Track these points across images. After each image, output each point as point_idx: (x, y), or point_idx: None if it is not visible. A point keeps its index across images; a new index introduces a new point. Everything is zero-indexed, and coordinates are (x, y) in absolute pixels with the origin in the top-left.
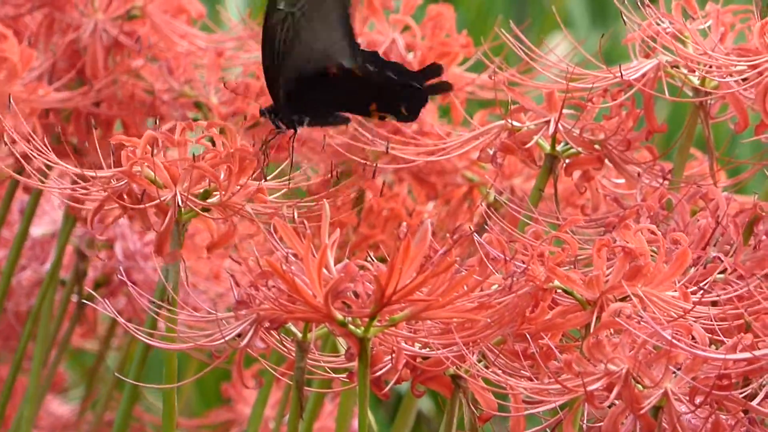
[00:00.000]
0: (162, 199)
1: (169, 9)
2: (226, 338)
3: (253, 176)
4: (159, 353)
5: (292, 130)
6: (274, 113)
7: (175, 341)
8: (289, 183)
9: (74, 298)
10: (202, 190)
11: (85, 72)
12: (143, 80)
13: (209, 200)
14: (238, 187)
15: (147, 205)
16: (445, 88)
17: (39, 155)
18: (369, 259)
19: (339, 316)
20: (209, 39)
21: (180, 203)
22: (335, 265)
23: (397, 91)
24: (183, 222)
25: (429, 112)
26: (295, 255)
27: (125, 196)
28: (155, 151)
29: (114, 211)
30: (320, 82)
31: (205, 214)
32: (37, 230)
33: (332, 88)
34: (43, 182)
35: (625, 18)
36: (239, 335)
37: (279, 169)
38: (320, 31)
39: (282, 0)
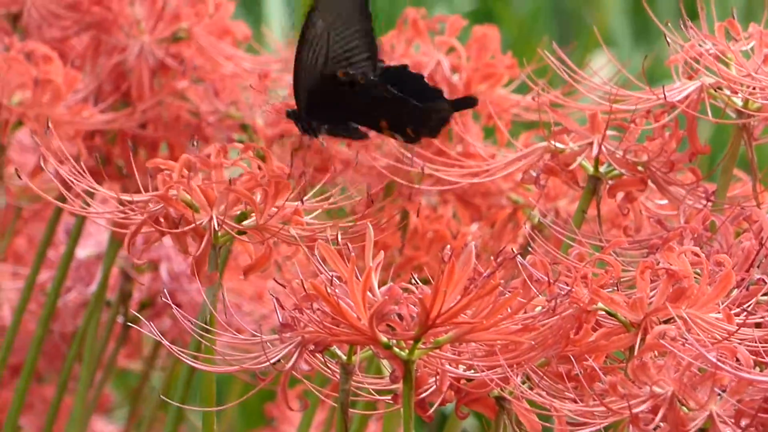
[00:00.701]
0: (198, 222)
1: (214, 31)
2: (272, 361)
3: (292, 198)
4: (203, 374)
5: (318, 138)
6: (296, 117)
7: (215, 363)
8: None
9: (120, 319)
10: (238, 213)
11: (131, 94)
12: (188, 102)
13: (245, 223)
14: (275, 210)
15: (183, 229)
16: (471, 103)
17: (80, 180)
18: (413, 281)
19: (384, 338)
20: (254, 60)
21: (216, 227)
22: (379, 287)
23: (402, 108)
24: (219, 245)
25: (474, 134)
26: (339, 278)
27: (162, 220)
28: (191, 174)
29: (154, 233)
30: (333, 90)
31: (242, 237)
32: (82, 252)
33: (343, 98)
34: (86, 206)
35: (668, 39)
36: (284, 358)
37: (316, 189)
38: (342, 41)
39: (319, 18)
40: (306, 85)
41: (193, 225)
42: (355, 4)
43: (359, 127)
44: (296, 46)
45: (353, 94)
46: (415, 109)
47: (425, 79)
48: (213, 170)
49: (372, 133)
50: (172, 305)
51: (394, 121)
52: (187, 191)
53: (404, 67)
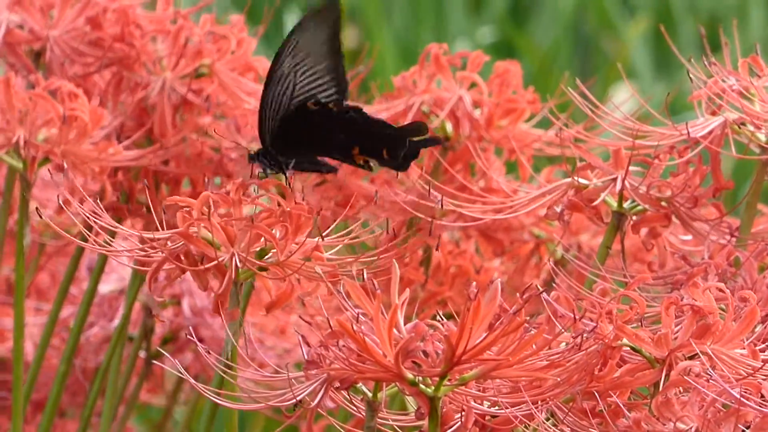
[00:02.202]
0: (219, 260)
1: (236, 67)
2: (297, 398)
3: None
4: (226, 409)
5: (285, 175)
6: (260, 157)
7: (237, 399)
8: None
9: (142, 354)
10: (259, 249)
11: (153, 130)
12: (211, 138)
13: (266, 259)
14: (295, 246)
15: (204, 267)
16: (434, 142)
17: (102, 217)
18: (438, 316)
19: (410, 375)
20: None
21: (237, 264)
22: (404, 323)
23: (377, 132)
24: (241, 282)
25: (496, 169)
26: (364, 314)
27: (183, 257)
28: (212, 211)
29: (176, 270)
30: (301, 123)
31: (263, 273)
32: (105, 287)
33: (312, 128)
34: (108, 243)
35: (691, 76)
36: (309, 395)
37: (338, 224)
38: (309, 78)
39: (288, 55)
40: (272, 123)
41: (214, 262)
42: (327, 40)
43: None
44: (263, 84)
45: (323, 123)
46: (391, 133)
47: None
48: (233, 207)
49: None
50: (195, 340)
51: (367, 146)
52: (207, 228)
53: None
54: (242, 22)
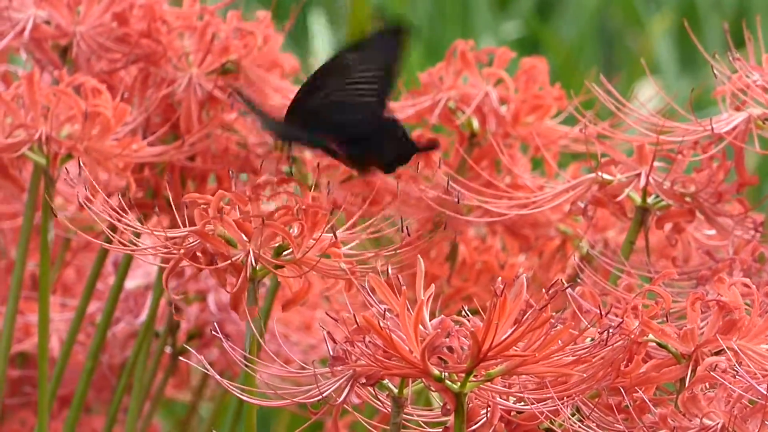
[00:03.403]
0: (235, 258)
1: (263, 63)
2: (323, 395)
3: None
4: (250, 405)
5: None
6: (273, 128)
7: (262, 395)
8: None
9: (168, 349)
10: (276, 246)
11: (179, 126)
12: (237, 134)
13: (283, 257)
14: (312, 242)
15: (220, 265)
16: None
17: (126, 215)
18: (463, 312)
19: (436, 371)
20: None
21: (253, 262)
22: (429, 318)
23: (399, 146)
24: (257, 279)
25: (522, 166)
26: (390, 310)
27: (201, 255)
28: (228, 209)
29: (193, 268)
30: (335, 111)
31: (280, 271)
32: (131, 283)
33: (345, 125)
34: (132, 241)
35: (715, 72)
36: (335, 391)
37: (359, 220)
38: (364, 71)
39: (354, 52)
40: (306, 101)
41: (230, 261)
42: (390, 55)
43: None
44: (321, 65)
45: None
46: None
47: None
48: (250, 204)
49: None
50: (221, 336)
51: (375, 151)
52: (223, 226)
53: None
54: (269, 19)
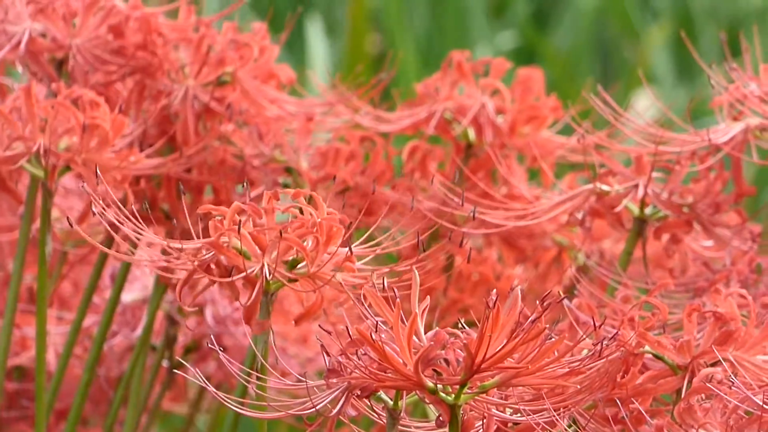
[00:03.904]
0: (250, 271)
1: (259, 74)
2: (318, 407)
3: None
4: (248, 418)
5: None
6: None
7: (264, 409)
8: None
9: (165, 363)
10: (290, 259)
11: (176, 138)
12: (233, 146)
13: (297, 270)
14: (327, 256)
15: (235, 277)
16: None
17: (126, 225)
18: (459, 324)
19: (430, 384)
20: (299, 104)
21: (267, 275)
22: (425, 330)
23: None
24: (271, 292)
25: (518, 176)
26: (384, 323)
27: (213, 267)
28: (243, 221)
29: (203, 279)
30: None
31: (293, 285)
32: (128, 296)
33: None
34: (132, 252)
35: (713, 82)
36: (331, 403)
37: (358, 232)
38: None
39: None
40: None
41: (244, 273)
42: None
43: None
44: None
45: None
46: None
47: None
48: (264, 217)
49: (416, 176)
50: (218, 349)
51: None
52: (238, 238)
53: None
54: (264, 30)
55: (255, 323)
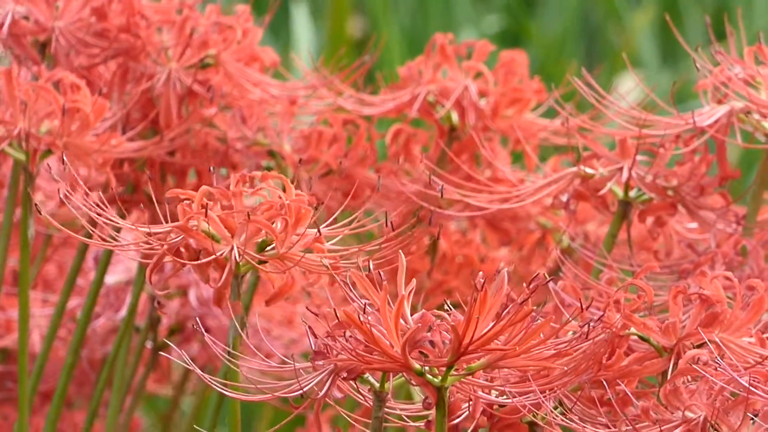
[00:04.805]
0: (219, 253)
1: (242, 57)
2: (305, 389)
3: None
4: (231, 399)
5: None
6: None
7: (243, 390)
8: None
9: (149, 344)
10: (259, 241)
11: (159, 121)
12: (216, 129)
13: (266, 252)
14: (296, 238)
15: (204, 260)
16: None
17: (106, 211)
18: (444, 306)
19: (417, 365)
20: (282, 87)
21: (237, 257)
22: (410, 312)
23: None
24: (241, 274)
25: (502, 159)
26: (371, 305)
27: (184, 250)
28: (211, 204)
29: (176, 263)
30: None
31: (263, 267)
32: (111, 278)
33: None
34: (114, 237)
35: (697, 65)
36: (317, 385)
37: (341, 215)
38: None
39: None
40: None
41: (213, 256)
42: None
43: None
44: None
45: None
46: None
47: None
48: (233, 200)
49: (400, 159)
50: (202, 331)
51: None
52: (207, 221)
53: None
54: (248, 13)
55: (226, 305)
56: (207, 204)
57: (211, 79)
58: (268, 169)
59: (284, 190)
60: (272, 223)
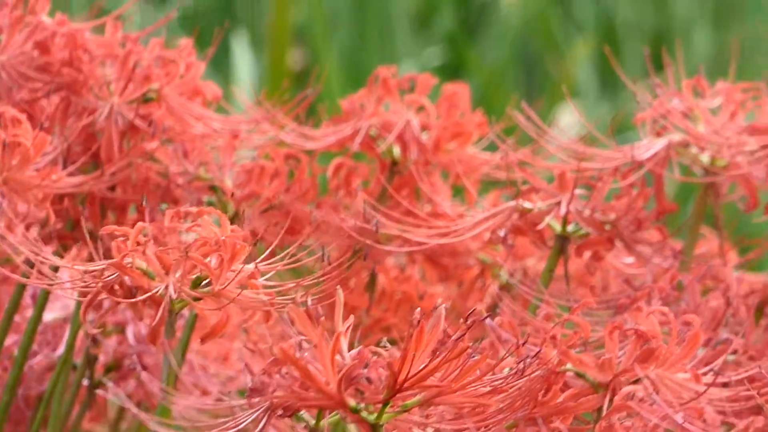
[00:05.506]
0: (154, 290)
1: (185, 91)
2: (239, 427)
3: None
4: None
5: None
6: None
7: (179, 428)
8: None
9: (85, 382)
10: (194, 277)
11: (100, 156)
12: (158, 163)
13: (201, 289)
14: (232, 274)
15: (139, 298)
16: None
17: (42, 250)
18: (382, 342)
19: (352, 402)
20: (224, 121)
21: (172, 294)
22: (348, 349)
23: None
24: (176, 312)
25: (442, 194)
26: (308, 341)
27: (118, 288)
28: (147, 241)
29: (108, 300)
30: None
31: (198, 303)
32: (49, 315)
33: None
34: (50, 276)
35: (636, 97)
36: (252, 423)
37: (279, 250)
38: None
39: None
40: None
41: (148, 293)
42: None
43: None
44: None
45: None
46: None
47: None
48: (168, 236)
49: (340, 194)
50: (139, 368)
51: None
52: (142, 259)
53: None
54: (190, 46)
55: (161, 343)
56: (142, 241)
57: (153, 113)
58: (210, 204)
59: (220, 226)
60: (208, 260)
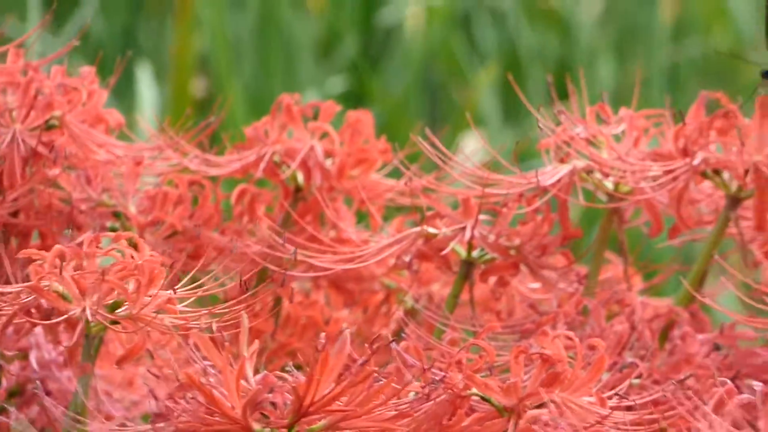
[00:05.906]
0: (71, 313)
1: (87, 118)
2: None
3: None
4: None
5: None
6: None
7: None
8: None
9: None
10: (111, 302)
11: (2, 182)
12: (61, 190)
13: (118, 313)
14: (148, 299)
15: (55, 320)
16: None
17: None
18: (287, 367)
19: (257, 427)
20: (127, 148)
21: (89, 317)
22: (253, 374)
23: None
24: (93, 335)
25: (347, 219)
26: (213, 366)
27: (34, 311)
28: (64, 264)
29: (26, 324)
30: None
31: (115, 327)
32: None
33: None
34: None
35: (540, 125)
36: None
37: (188, 276)
38: None
39: None
40: None
41: (65, 316)
42: None
43: None
44: None
45: None
46: None
47: None
48: (85, 260)
49: (244, 220)
50: (42, 394)
51: None
52: (59, 282)
53: None
54: (93, 74)
55: (76, 366)
56: (60, 264)
57: (55, 140)
58: (113, 230)
59: (137, 250)
60: (125, 284)
